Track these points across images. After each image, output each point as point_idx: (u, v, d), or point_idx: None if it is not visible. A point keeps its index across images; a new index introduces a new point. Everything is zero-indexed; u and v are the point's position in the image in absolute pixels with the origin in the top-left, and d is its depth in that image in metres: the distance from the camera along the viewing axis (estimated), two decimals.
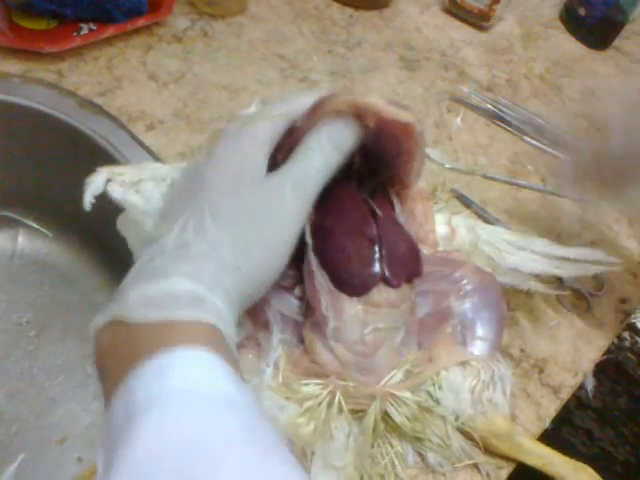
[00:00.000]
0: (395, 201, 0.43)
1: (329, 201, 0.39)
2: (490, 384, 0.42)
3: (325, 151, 0.35)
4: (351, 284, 0.39)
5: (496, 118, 0.66)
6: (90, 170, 0.55)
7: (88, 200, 0.35)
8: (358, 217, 0.40)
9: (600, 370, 0.53)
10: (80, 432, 0.54)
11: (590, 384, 0.57)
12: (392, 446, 0.39)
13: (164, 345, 0.28)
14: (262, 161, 0.35)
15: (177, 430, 0.25)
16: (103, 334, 0.31)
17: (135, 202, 0.35)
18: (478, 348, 0.43)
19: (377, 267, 0.39)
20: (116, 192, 0.35)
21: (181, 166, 0.38)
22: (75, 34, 0.60)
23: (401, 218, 0.42)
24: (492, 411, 0.41)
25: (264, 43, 0.68)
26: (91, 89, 0.56)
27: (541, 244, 0.47)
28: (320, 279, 0.39)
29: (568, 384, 0.48)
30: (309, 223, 0.39)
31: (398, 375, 0.40)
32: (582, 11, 0.80)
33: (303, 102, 0.37)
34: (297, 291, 0.41)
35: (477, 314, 0.44)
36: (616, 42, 0.82)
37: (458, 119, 0.65)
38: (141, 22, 0.62)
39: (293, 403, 0.38)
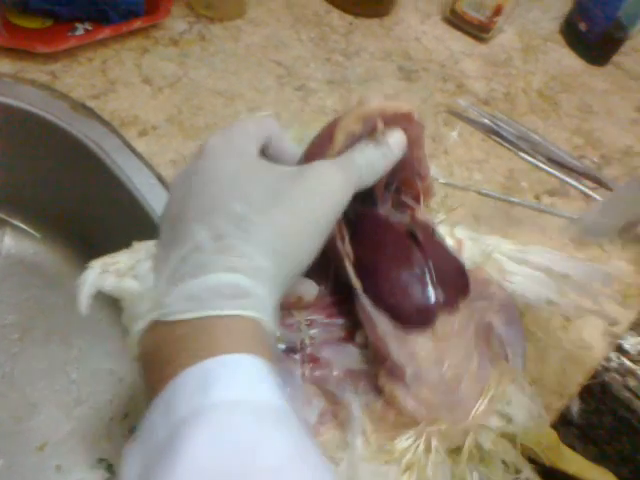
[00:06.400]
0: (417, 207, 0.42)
1: (364, 236, 0.38)
2: (533, 397, 0.42)
3: (375, 155, 0.36)
4: (415, 319, 0.37)
5: (493, 133, 0.66)
6: (80, 174, 0.55)
7: (84, 304, 0.32)
8: (399, 245, 0.39)
9: (586, 391, 0.53)
10: (61, 439, 0.53)
11: (576, 406, 0.57)
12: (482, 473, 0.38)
13: (206, 348, 0.27)
14: (256, 152, 0.35)
15: (225, 447, 0.23)
16: (146, 337, 0.30)
17: (129, 287, 0.32)
18: (517, 364, 0.43)
19: (433, 294, 0.37)
20: (108, 284, 0.32)
21: None
22: (70, 34, 0.59)
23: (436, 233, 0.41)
24: (541, 424, 0.41)
25: (262, 48, 0.67)
26: (84, 91, 0.56)
27: (542, 256, 0.47)
28: (382, 325, 0.37)
29: (554, 407, 0.48)
30: (350, 264, 0.37)
31: (484, 403, 0.39)
32: (583, 26, 0.80)
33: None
34: (358, 338, 0.40)
35: (510, 330, 0.43)
36: (615, 58, 0.81)
37: (454, 133, 0.65)
38: (138, 24, 0.61)
39: (392, 464, 0.36)
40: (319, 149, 0.37)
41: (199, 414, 0.24)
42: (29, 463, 0.51)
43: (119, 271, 0.33)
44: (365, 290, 0.37)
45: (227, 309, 0.29)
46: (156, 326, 0.30)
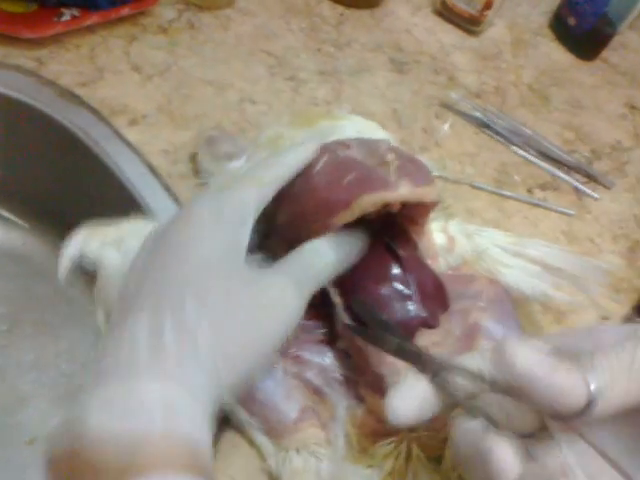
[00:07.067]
0: (411, 231, 0.41)
1: None
2: None
3: (332, 259, 0.34)
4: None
5: (484, 126, 0.65)
6: (69, 163, 0.54)
7: (64, 266, 0.31)
8: (382, 263, 0.38)
9: None
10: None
11: None
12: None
13: (130, 470, 0.24)
14: (246, 236, 0.32)
15: None
16: (60, 453, 0.25)
17: (112, 260, 0.31)
18: None
19: (415, 310, 0.37)
20: (92, 251, 0.31)
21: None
22: (56, 19, 0.57)
23: (421, 246, 0.41)
24: None
25: (252, 38, 0.66)
26: (71, 79, 0.54)
27: (537, 250, 0.47)
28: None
29: None
30: (331, 282, 0.37)
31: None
32: (572, 21, 0.80)
33: (296, 163, 0.35)
34: (340, 344, 0.40)
35: (501, 325, 0.43)
36: (603, 53, 0.82)
37: (446, 126, 0.64)
38: (126, 11, 0.60)
39: (375, 469, 0.37)
40: (321, 208, 0.35)
41: None
42: (18, 458, 0.50)
43: (104, 241, 0.32)
44: (347, 308, 0.37)
45: (156, 429, 0.25)
46: (76, 436, 0.25)
